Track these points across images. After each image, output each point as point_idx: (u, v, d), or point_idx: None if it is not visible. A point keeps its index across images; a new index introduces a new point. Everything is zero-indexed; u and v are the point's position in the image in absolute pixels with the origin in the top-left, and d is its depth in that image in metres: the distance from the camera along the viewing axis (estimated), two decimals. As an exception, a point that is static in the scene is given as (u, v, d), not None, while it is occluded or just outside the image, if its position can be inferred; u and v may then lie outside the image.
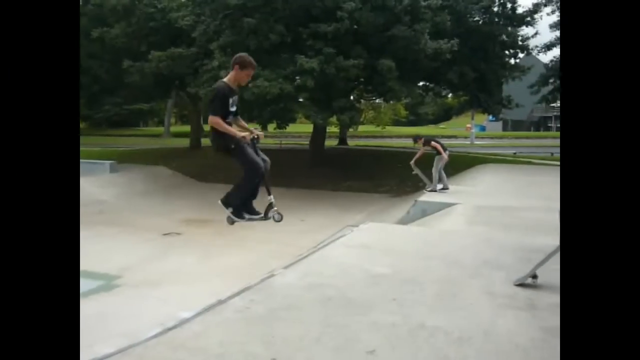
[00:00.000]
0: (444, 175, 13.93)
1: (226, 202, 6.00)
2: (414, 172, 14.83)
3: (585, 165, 2.52)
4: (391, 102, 33.60)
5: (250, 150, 5.90)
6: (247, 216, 6.04)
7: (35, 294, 2.21)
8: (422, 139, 14.25)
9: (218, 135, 5.91)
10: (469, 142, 41.14)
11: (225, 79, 5.99)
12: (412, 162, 14.38)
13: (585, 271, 2.43)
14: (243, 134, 5.88)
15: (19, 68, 2.34)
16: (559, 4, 22.82)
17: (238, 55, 6.05)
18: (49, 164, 2.35)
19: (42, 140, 2.35)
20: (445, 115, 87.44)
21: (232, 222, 6.17)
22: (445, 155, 13.60)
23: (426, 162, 14.27)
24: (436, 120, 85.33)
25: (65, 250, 2.34)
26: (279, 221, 5.99)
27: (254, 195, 6.06)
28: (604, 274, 2.39)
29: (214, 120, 5.77)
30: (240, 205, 6.03)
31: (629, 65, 2.46)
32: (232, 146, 5.81)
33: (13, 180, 2.25)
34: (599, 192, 2.47)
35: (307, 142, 25.70)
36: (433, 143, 13.84)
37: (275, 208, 6.00)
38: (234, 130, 5.89)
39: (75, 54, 2.50)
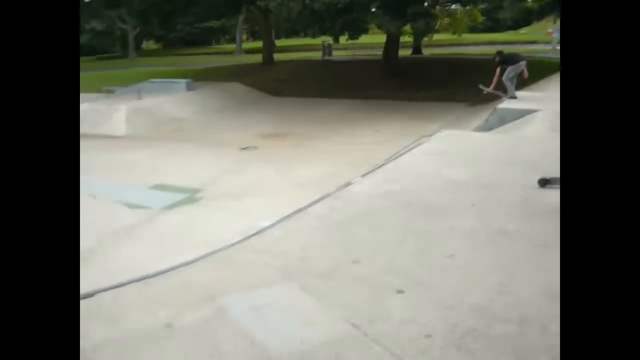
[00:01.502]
0: (512, 84, 13.56)
1: None
2: (485, 92, 14.53)
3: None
4: (467, 7, 31.93)
5: None
6: None
7: (35, 294, 2.15)
8: (499, 57, 13.91)
9: None
10: (550, 48, 39.10)
11: None
12: (490, 88, 14.14)
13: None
14: None
15: (18, 62, 2.28)
16: None
17: None
18: (48, 161, 2.28)
19: (42, 140, 2.28)
20: (525, 20, 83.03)
21: (543, 185, 5.76)
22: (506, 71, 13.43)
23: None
24: (515, 26, 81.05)
25: (65, 250, 2.26)
26: None
27: None
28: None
29: None
30: None
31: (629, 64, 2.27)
32: None
33: (12, 177, 2.20)
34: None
35: (381, 53, 25.10)
36: (498, 69, 13.63)
37: None
38: None
39: (75, 48, 2.42)
